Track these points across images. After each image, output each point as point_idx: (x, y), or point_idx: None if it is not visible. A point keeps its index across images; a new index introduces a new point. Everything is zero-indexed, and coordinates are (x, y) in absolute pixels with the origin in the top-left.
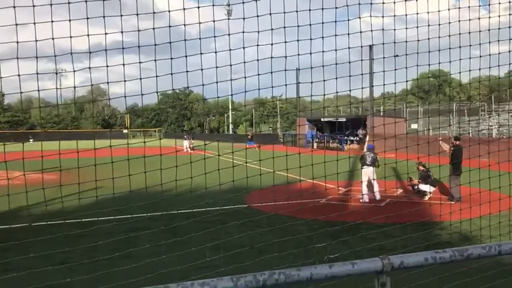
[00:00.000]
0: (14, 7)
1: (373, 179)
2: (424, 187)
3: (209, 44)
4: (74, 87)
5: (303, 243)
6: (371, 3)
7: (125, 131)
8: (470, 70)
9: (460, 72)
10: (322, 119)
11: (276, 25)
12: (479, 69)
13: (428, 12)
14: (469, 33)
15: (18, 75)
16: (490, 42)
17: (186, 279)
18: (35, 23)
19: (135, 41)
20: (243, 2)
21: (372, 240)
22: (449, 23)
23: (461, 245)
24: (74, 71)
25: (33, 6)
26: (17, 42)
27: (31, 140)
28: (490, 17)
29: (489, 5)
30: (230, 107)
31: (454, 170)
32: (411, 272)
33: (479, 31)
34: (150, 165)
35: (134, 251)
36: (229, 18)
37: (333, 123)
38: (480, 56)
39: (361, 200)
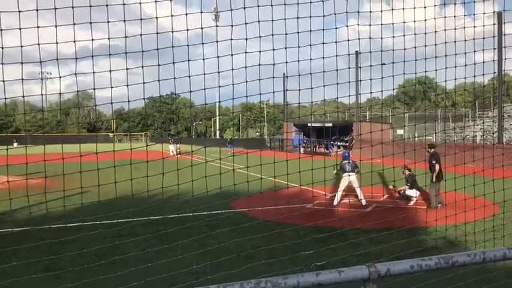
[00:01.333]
0: (0, 12)
1: (357, 187)
2: (410, 192)
3: (197, 49)
4: (60, 93)
5: (290, 250)
6: (358, 12)
7: (111, 135)
8: (455, 79)
9: (446, 81)
10: (309, 124)
11: (264, 32)
12: (465, 78)
13: (414, 21)
14: (455, 42)
15: (3, 81)
16: (475, 51)
17: (173, 286)
18: (20, 28)
19: (121, 45)
20: (231, 10)
21: (358, 247)
22: (436, 32)
23: (446, 250)
24: (60, 77)
25: (19, 11)
26: (2, 48)
27: (15, 144)
28: (475, 26)
29: (474, 14)
30: (218, 113)
31: (432, 177)
32: (397, 279)
33: (465, 40)
34: (137, 170)
35: (121, 257)
36: (217, 26)
37: (320, 128)
38: (466, 65)
39: (334, 203)
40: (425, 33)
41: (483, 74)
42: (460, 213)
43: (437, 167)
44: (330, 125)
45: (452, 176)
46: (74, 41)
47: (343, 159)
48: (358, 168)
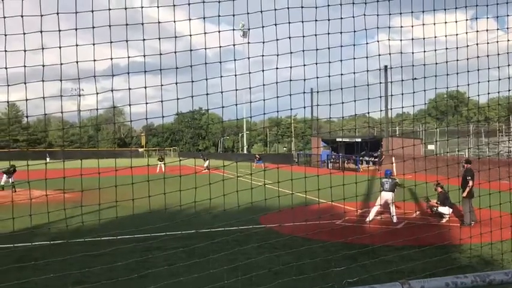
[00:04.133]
0: (41, 32)
1: (391, 203)
2: (443, 209)
3: (225, 64)
4: (97, 109)
5: (320, 266)
6: (389, 27)
7: (141, 150)
8: (488, 93)
9: (478, 95)
10: (338, 139)
11: (295, 48)
12: (498, 92)
13: (446, 35)
14: (487, 56)
15: (43, 98)
16: (508, 65)
17: None
18: (60, 47)
19: (152, 62)
20: (263, 27)
21: (390, 264)
22: (468, 46)
23: (482, 269)
24: (97, 93)
25: (59, 30)
26: (43, 66)
27: (48, 159)
28: (508, 40)
29: (507, 28)
30: (245, 129)
31: (464, 193)
32: None
33: (498, 54)
34: (168, 184)
35: (152, 271)
36: (248, 42)
37: (349, 143)
38: (499, 79)
39: (367, 220)
40: (457, 48)
41: None
42: (495, 230)
43: (470, 183)
44: (359, 140)
45: (486, 193)
46: (111, 59)
47: (384, 176)
48: (398, 186)
